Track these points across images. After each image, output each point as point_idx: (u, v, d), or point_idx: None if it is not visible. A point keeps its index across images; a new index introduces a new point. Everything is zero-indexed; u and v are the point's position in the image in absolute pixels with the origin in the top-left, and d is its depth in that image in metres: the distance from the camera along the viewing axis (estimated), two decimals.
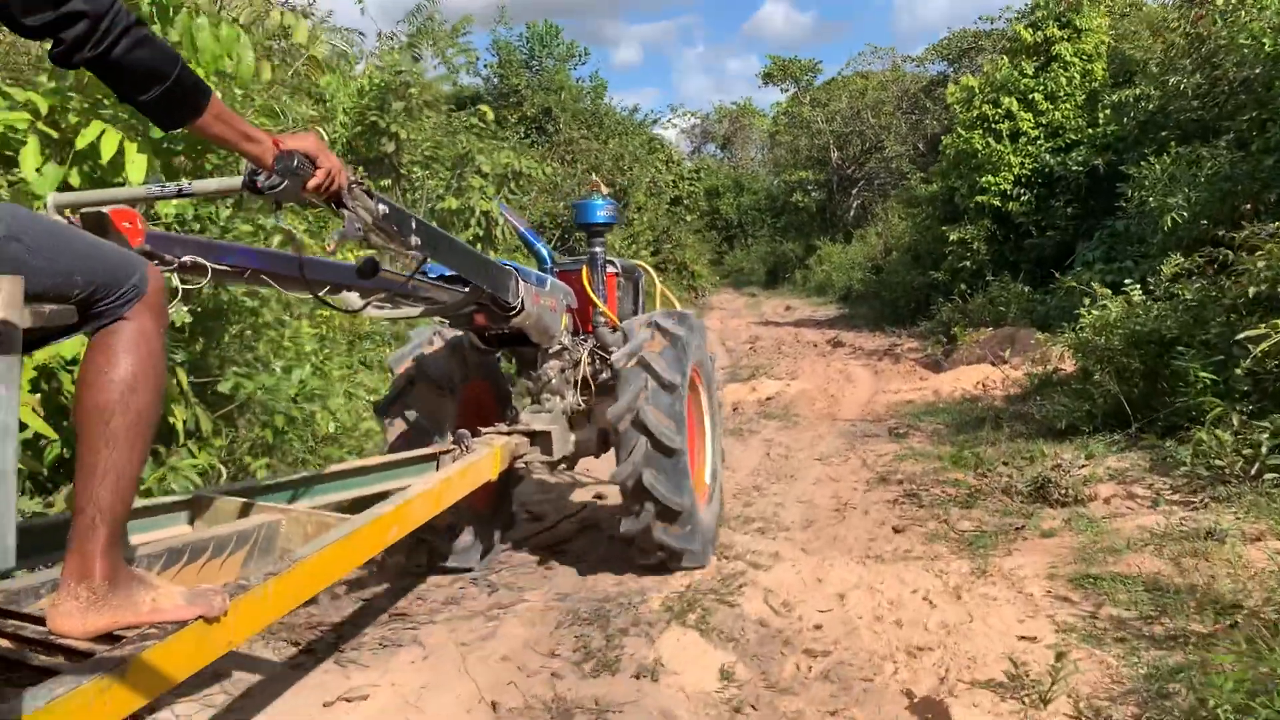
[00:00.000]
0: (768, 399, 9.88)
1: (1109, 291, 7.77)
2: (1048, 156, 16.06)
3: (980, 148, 16.58)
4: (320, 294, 2.95)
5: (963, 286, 16.63)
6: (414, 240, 2.75)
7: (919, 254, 19.19)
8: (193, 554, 2.57)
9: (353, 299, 3.18)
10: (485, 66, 26.25)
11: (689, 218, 28.42)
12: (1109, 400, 6.68)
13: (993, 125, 16.77)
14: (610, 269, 4.90)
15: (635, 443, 4.00)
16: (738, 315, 24.83)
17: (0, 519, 1.60)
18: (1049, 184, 16.06)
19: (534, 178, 13.22)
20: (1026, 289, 13.92)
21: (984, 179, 16.41)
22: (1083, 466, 5.48)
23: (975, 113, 16.88)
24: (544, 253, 4.75)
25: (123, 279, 1.86)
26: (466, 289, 3.55)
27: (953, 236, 16.83)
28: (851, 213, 37.70)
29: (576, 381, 4.51)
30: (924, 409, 8.81)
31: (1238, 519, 4.61)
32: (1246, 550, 4.13)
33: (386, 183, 12.22)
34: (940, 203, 18.21)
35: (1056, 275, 12.69)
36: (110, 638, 1.84)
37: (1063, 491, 5.25)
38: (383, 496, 3.23)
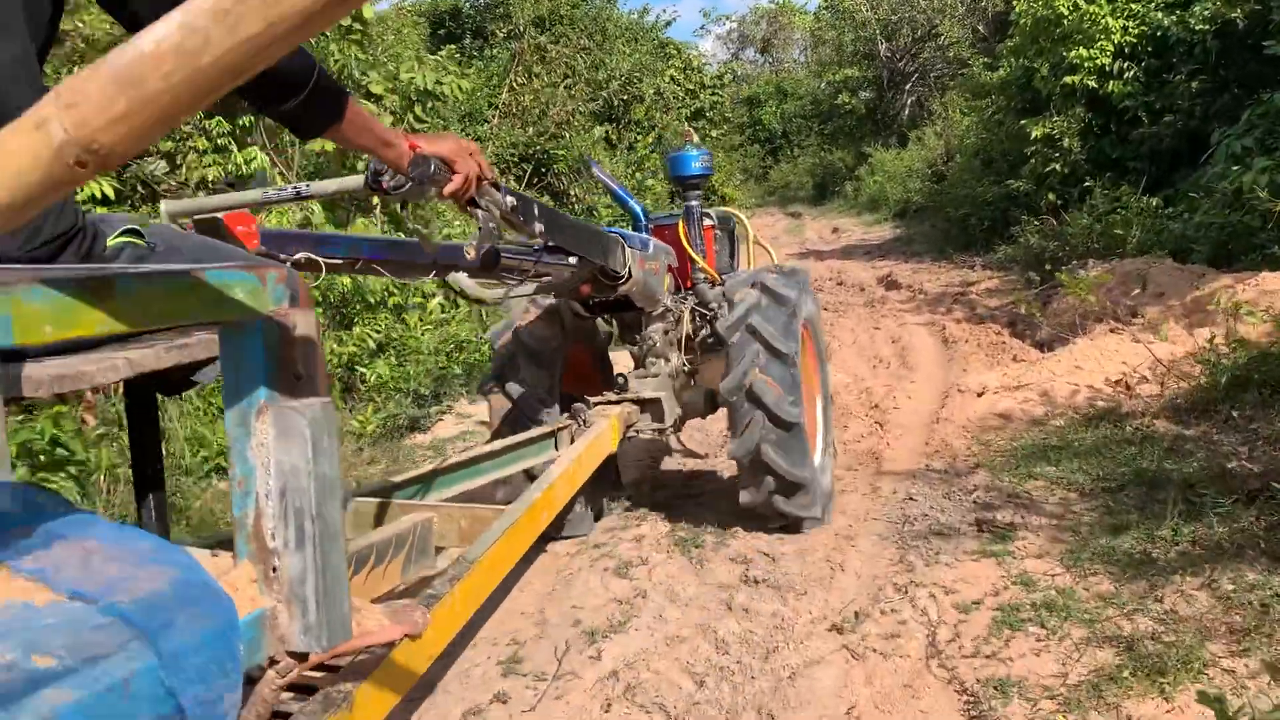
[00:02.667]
0: None
1: None
2: (1160, 15, 11.98)
3: (1066, 11, 12.53)
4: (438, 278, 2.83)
5: (1052, 197, 12.77)
6: (538, 227, 2.67)
7: (991, 157, 15.24)
8: (357, 564, 2.30)
9: (462, 280, 2.75)
10: None
11: (714, 133, 24.41)
12: None
13: None
14: (706, 221, 4.72)
15: (751, 418, 3.90)
16: (775, 244, 21.09)
17: (334, 587, 1.29)
18: (1163, 52, 12.01)
19: (452, 98, 9.65)
20: (1153, 200, 9.96)
21: (1073, 53, 12.40)
22: None
23: None
24: (638, 210, 4.63)
25: None
26: (577, 263, 3.44)
27: (1035, 132, 12.89)
28: (906, 111, 33.69)
29: (680, 341, 4.42)
30: (1029, 439, 5.18)
31: None
32: None
33: (246, 121, 8.80)
34: (1015, 89, 14.19)
35: (1211, 180, 8.89)
36: (324, 668, 1.57)
37: None
38: (505, 482, 3.65)
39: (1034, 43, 13.47)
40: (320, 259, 2.59)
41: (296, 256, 2.54)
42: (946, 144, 20.85)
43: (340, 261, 2.78)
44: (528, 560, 4.10)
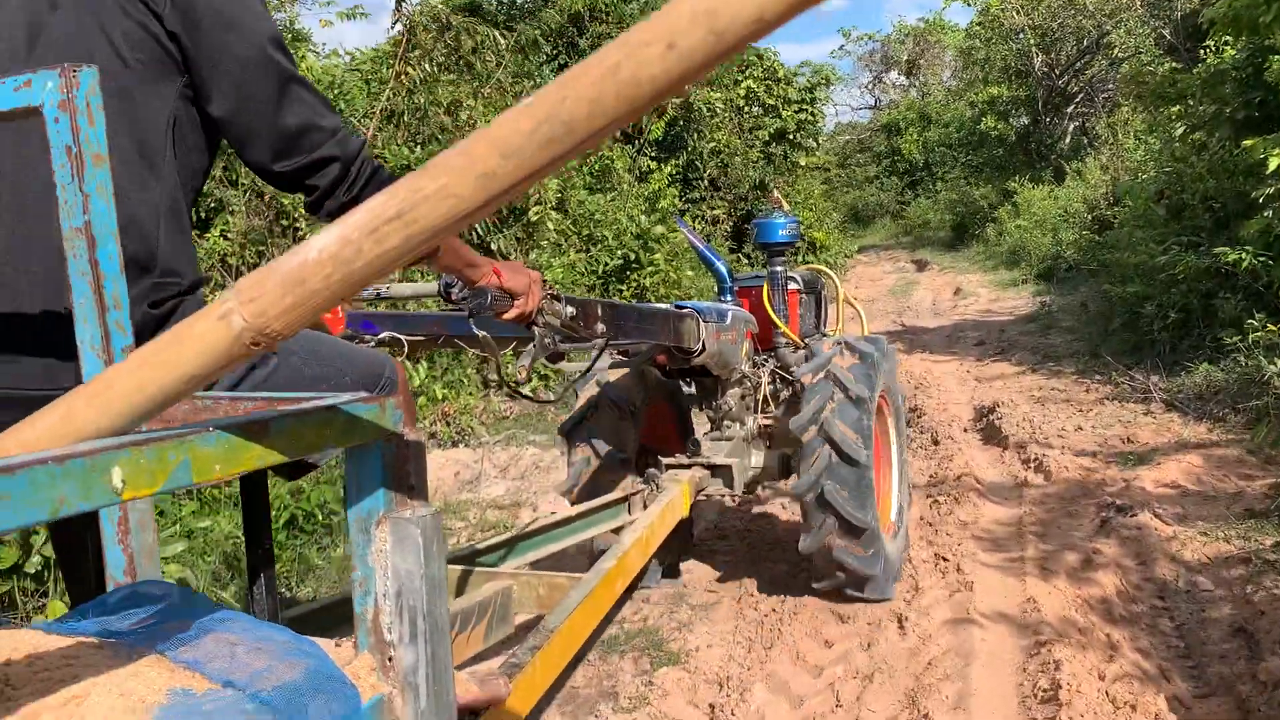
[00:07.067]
0: None
1: None
2: None
3: None
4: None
5: None
6: (599, 328, 2.79)
7: (1184, 203, 9.29)
8: None
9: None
10: None
11: (804, 160, 18.87)
12: None
13: None
14: (792, 284, 4.85)
15: (818, 453, 3.93)
16: (872, 308, 15.44)
17: (442, 676, 1.44)
18: None
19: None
20: None
21: None
22: None
23: None
24: (723, 270, 4.74)
25: (379, 375, 1.83)
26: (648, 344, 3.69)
27: (1272, 161, 7.04)
28: (1067, 138, 27.31)
29: (757, 404, 4.53)
30: None
31: None
32: None
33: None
34: (1232, 88, 8.30)
35: None
36: None
37: None
38: (586, 545, 3.71)
39: (1269, 4, 7.61)
40: (403, 337, 2.72)
41: (382, 335, 2.64)
42: (1114, 179, 14.79)
43: (423, 339, 2.91)
44: None
